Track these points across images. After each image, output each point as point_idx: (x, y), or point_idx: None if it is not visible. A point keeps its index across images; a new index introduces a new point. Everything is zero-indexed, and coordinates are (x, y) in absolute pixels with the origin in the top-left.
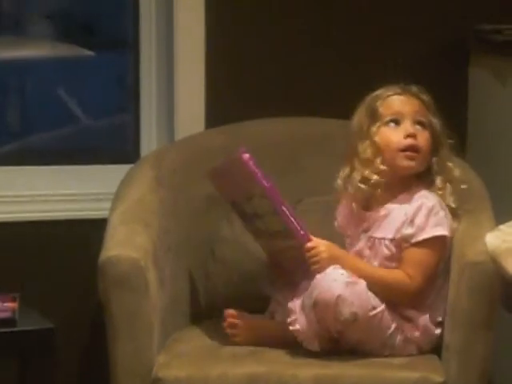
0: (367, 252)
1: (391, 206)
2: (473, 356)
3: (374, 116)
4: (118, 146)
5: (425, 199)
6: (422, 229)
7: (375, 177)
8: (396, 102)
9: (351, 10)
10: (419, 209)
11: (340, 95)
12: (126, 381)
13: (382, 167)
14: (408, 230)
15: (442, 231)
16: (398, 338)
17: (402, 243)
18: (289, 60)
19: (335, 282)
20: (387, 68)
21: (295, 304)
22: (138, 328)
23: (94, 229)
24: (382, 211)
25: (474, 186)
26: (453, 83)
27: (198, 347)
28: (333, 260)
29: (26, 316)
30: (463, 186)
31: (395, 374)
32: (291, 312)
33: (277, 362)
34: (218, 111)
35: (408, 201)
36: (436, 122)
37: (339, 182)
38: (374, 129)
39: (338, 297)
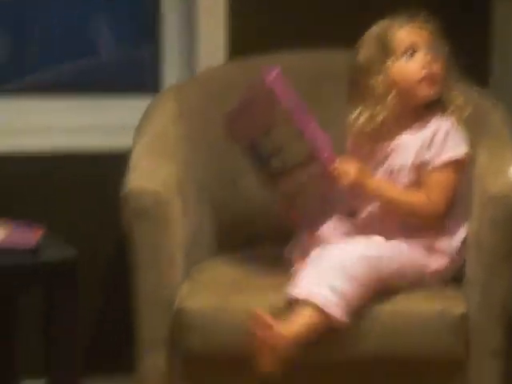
0: None
1: (406, 135)
2: (495, 289)
3: (386, 50)
4: (139, 80)
5: (440, 123)
6: (440, 152)
7: (384, 113)
8: (407, 32)
9: None
10: (436, 133)
11: (365, 25)
12: (149, 311)
13: (392, 103)
14: (427, 155)
15: (461, 153)
16: (427, 270)
17: (421, 168)
18: None
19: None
20: None
21: None
22: (160, 259)
23: (119, 160)
24: (397, 140)
25: (496, 119)
26: (477, 15)
27: (221, 278)
28: (361, 175)
29: (50, 245)
30: (466, 113)
31: (418, 306)
32: None
33: None
34: (240, 43)
35: (422, 127)
36: (444, 48)
37: (350, 122)
38: (389, 63)
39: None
